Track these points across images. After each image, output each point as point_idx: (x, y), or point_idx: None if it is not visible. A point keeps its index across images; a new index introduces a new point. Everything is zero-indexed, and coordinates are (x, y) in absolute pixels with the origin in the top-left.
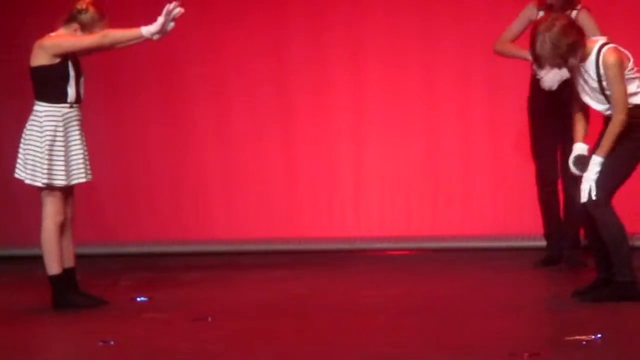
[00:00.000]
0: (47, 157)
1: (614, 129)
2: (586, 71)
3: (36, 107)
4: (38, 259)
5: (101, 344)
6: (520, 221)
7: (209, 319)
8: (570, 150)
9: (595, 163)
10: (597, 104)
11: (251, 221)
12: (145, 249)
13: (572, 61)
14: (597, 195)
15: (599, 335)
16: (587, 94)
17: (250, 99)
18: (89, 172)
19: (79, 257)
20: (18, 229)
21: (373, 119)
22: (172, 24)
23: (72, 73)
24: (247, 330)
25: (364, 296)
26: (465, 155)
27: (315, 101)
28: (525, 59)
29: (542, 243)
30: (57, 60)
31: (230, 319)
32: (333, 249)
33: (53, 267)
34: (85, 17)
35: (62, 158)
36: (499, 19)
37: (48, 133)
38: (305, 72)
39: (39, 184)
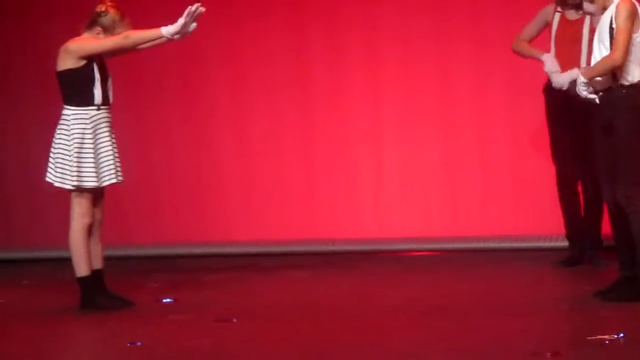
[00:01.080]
0: (75, 159)
1: (607, 61)
2: (603, 22)
3: (64, 111)
4: (64, 261)
5: (129, 344)
6: (540, 222)
7: (234, 319)
8: (590, 154)
9: (580, 82)
10: (598, 56)
11: (272, 223)
12: (169, 250)
13: (587, 6)
14: (629, 188)
15: (622, 335)
16: (597, 49)
17: (269, 100)
18: (119, 173)
19: (104, 259)
20: (44, 231)
21: (392, 120)
22: (194, 25)
23: (97, 75)
24: (269, 331)
25: (384, 297)
26: (485, 156)
27: (333, 102)
28: (539, 59)
29: (563, 243)
30: (82, 63)
31: (253, 320)
32: (353, 251)
33: (81, 269)
34: (106, 19)
35: (92, 160)
36: (516, 18)
37: (76, 136)
38: (323, 73)
39: (69, 187)
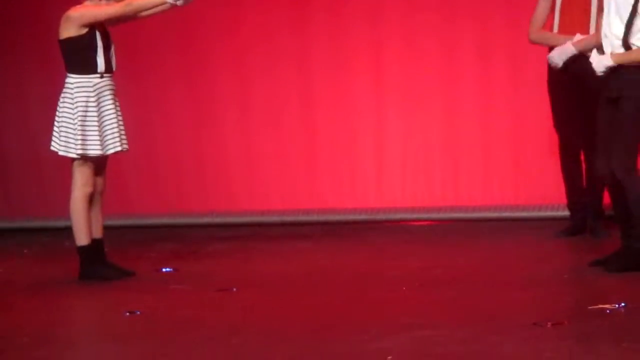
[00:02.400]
0: (80, 128)
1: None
2: None
3: (68, 79)
4: (64, 231)
5: (128, 314)
6: (542, 191)
7: (234, 289)
8: (591, 121)
9: (603, 65)
10: (615, 30)
11: (274, 193)
12: (170, 220)
13: None
14: (626, 161)
15: (623, 304)
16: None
17: (270, 71)
18: (124, 142)
19: (104, 229)
20: (44, 200)
21: (393, 89)
22: None
23: (100, 43)
24: (269, 301)
25: (386, 267)
26: (486, 125)
27: (335, 74)
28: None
29: (565, 213)
30: (85, 30)
31: (254, 290)
32: (355, 220)
33: (81, 238)
34: None
35: (96, 128)
36: None
37: (80, 104)
38: (325, 45)
39: (73, 155)
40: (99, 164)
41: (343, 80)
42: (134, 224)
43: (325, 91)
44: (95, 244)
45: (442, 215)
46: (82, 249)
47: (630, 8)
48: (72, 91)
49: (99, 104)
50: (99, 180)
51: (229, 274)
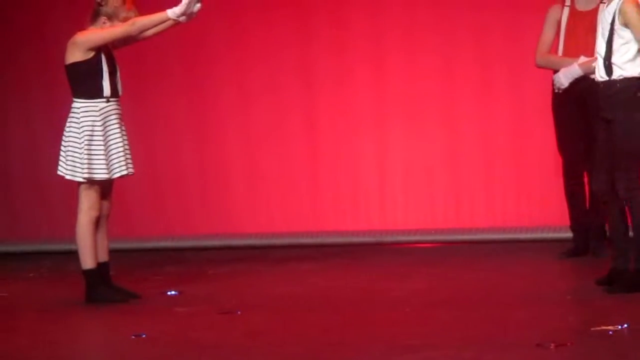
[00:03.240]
0: (86, 152)
1: None
2: (605, 18)
3: (74, 104)
4: (69, 254)
5: (133, 337)
6: (544, 213)
7: (238, 312)
8: (595, 143)
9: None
10: (599, 50)
11: (277, 215)
12: (174, 243)
13: None
14: (627, 183)
15: (626, 325)
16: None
17: (273, 92)
18: (130, 165)
19: (109, 252)
20: (50, 224)
21: (396, 111)
22: (198, 5)
23: (105, 67)
24: (273, 323)
25: (389, 289)
26: (489, 147)
27: (337, 93)
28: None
29: (568, 234)
30: (91, 55)
31: (257, 312)
32: (358, 242)
33: (87, 262)
34: (106, 8)
35: (102, 152)
36: (519, 9)
37: (86, 128)
38: (328, 64)
39: (80, 179)
40: (105, 188)
41: (345, 101)
42: (139, 247)
43: (328, 112)
44: (101, 267)
45: (444, 237)
46: (88, 272)
47: (609, 27)
48: (78, 116)
49: (105, 128)
50: (105, 203)
51: (233, 296)
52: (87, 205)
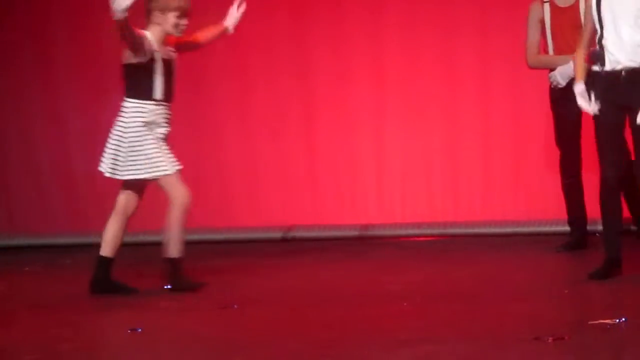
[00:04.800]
0: (154, 148)
1: None
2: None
3: (124, 104)
4: (64, 248)
5: (129, 331)
6: (542, 206)
7: (235, 306)
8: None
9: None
10: (632, 35)
11: (274, 209)
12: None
13: None
14: None
15: (623, 319)
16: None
17: (271, 87)
18: (172, 163)
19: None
20: (45, 218)
21: (394, 105)
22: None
23: (159, 70)
24: (270, 318)
25: (387, 282)
26: (486, 141)
27: (336, 88)
28: (567, 63)
29: (564, 228)
30: (146, 57)
31: (255, 306)
32: (355, 236)
33: (106, 250)
34: (155, 3)
35: (150, 150)
36: (520, 6)
37: (133, 128)
38: (325, 59)
39: (167, 172)
40: (140, 188)
41: (343, 95)
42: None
43: (326, 107)
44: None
45: (442, 230)
46: (102, 259)
47: (634, 12)
48: (126, 115)
49: (151, 129)
50: (135, 203)
51: (230, 290)
52: (179, 194)
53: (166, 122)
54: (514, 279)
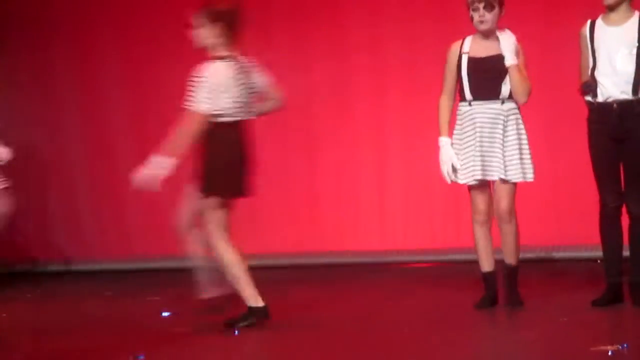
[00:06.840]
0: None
1: None
2: (627, 30)
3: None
4: (64, 275)
5: (131, 358)
6: (541, 232)
7: (236, 332)
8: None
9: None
10: (625, 67)
11: (277, 236)
12: (172, 263)
13: None
14: None
15: (625, 345)
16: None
17: (275, 116)
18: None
19: (107, 273)
20: (48, 245)
21: (395, 134)
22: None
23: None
24: (272, 344)
25: (388, 309)
26: None
27: (338, 119)
28: None
29: (563, 254)
30: None
31: (255, 333)
32: (357, 263)
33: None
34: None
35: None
36: (523, 20)
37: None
38: (328, 86)
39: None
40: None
41: (346, 125)
42: (138, 267)
43: (328, 134)
44: None
45: (444, 257)
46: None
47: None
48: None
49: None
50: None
51: (231, 317)
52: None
53: None
54: None
